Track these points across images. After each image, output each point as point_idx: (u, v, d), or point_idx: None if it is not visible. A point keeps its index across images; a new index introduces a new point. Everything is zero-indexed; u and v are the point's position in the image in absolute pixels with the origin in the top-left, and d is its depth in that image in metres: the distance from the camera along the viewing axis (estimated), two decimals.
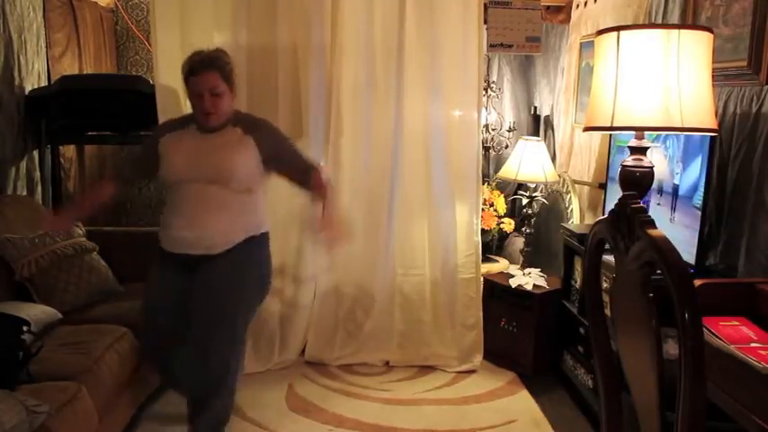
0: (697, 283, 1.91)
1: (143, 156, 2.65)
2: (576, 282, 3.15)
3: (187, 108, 3.20)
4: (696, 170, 2.36)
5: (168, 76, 3.21)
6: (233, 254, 2.44)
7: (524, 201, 3.67)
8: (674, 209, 2.49)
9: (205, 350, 2.36)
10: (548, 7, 4.00)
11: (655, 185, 2.39)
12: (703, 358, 1.07)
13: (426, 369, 3.41)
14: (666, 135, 2.55)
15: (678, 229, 2.41)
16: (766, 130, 2.24)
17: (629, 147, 2.27)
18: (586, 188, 3.64)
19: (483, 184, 3.58)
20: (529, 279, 3.38)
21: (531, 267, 3.50)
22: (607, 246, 1.36)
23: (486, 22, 3.53)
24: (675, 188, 2.50)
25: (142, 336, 2.64)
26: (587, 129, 2.34)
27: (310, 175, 2.55)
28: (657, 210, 2.59)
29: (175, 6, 3.16)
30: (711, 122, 2.13)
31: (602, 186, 3.23)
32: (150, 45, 3.48)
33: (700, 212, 2.32)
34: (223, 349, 2.40)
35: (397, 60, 3.27)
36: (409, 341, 3.45)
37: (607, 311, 1.47)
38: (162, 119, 3.20)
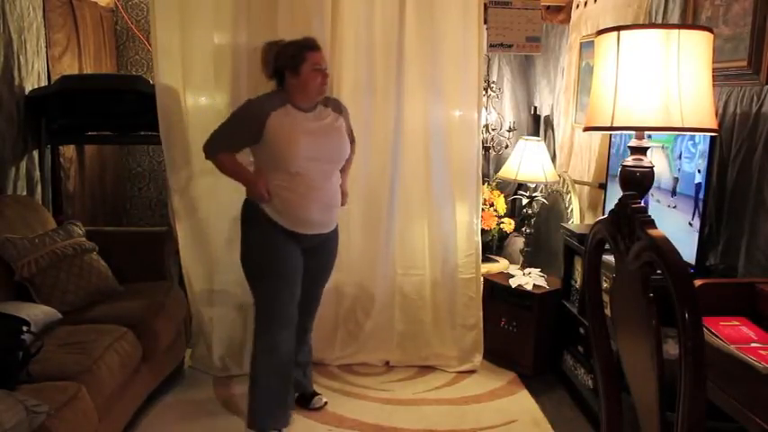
0: (697, 283, 1.91)
1: (244, 129, 2.62)
2: (576, 282, 3.14)
3: (188, 107, 3.25)
4: (703, 166, 2.34)
5: (168, 76, 3.20)
6: (336, 228, 2.80)
7: (524, 201, 3.67)
8: (676, 207, 2.48)
9: (314, 303, 2.92)
10: (548, 7, 4.00)
11: (656, 184, 2.38)
12: (703, 358, 1.07)
13: (426, 369, 3.41)
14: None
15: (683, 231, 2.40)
16: (766, 130, 2.24)
17: (629, 147, 2.26)
18: (586, 188, 3.64)
19: (483, 184, 3.58)
20: (529, 279, 3.37)
21: (531, 267, 3.50)
22: (607, 246, 1.36)
23: (486, 22, 3.52)
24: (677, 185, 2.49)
25: (273, 309, 2.67)
26: (587, 129, 2.34)
27: (352, 147, 2.85)
28: (658, 209, 2.59)
29: (175, 6, 3.15)
30: (711, 122, 2.13)
31: (602, 186, 3.23)
32: (150, 45, 3.48)
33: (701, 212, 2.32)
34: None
35: (397, 60, 3.26)
36: (409, 341, 3.45)
37: (607, 311, 1.47)
38: (162, 119, 3.20)
